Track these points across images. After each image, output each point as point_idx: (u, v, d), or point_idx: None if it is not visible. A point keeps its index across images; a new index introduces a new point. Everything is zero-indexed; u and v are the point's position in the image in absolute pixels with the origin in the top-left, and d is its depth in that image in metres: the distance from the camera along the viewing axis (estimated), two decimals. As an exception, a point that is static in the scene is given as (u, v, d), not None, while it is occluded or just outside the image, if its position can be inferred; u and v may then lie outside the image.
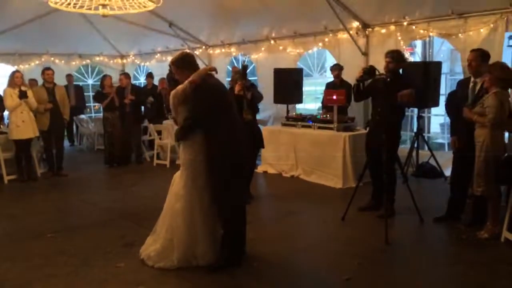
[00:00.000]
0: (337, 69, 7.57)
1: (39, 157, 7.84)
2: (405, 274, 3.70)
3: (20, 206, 5.92)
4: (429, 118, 8.76)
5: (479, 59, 4.46)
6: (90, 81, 13.38)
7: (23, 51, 10.99)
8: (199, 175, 3.68)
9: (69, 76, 10.92)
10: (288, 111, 7.99)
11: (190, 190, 3.68)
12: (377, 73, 4.75)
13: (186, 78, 3.68)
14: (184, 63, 3.78)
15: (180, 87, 3.68)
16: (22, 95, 6.93)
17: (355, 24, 7.54)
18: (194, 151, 3.68)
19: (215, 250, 3.73)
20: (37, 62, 11.35)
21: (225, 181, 3.62)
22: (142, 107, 9.17)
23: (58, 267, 3.84)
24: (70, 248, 4.30)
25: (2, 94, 7.47)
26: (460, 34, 6.40)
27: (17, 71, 7.40)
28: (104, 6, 5.34)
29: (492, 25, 6.03)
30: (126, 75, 8.77)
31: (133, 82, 12.20)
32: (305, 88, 8.53)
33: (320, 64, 10.89)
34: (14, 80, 7.02)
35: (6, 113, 8.05)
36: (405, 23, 7.00)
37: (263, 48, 9.32)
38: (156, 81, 10.12)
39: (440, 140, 9.95)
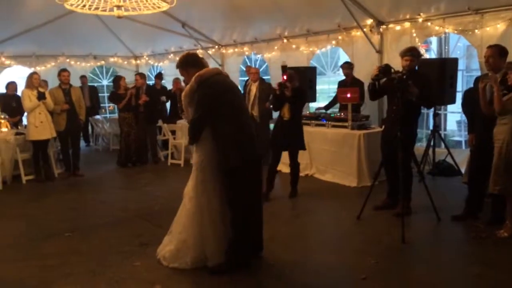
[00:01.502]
0: (347, 67, 7.53)
1: (56, 157, 7.95)
2: (422, 273, 3.65)
3: (37, 206, 6.00)
4: (445, 115, 8.64)
5: (497, 55, 4.37)
6: (105, 82, 13.52)
7: (40, 53, 11.16)
8: (207, 177, 3.64)
9: (83, 78, 11.03)
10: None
11: (199, 192, 3.65)
12: (392, 71, 4.70)
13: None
14: (187, 63, 3.76)
15: (188, 86, 3.67)
16: (41, 96, 7.03)
17: (369, 21, 7.48)
18: (203, 152, 3.65)
19: (223, 252, 3.68)
20: (53, 63, 11.51)
21: (234, 182, 3.57)
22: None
23: (75, 266, 3.88)
24: (87, 247, 4.35)
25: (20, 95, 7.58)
26: (476, 30, 6.29)
27: (34, 72, 7.51)
28: (118, 7, 5.40)
29: (509, 21, 5.92)
30: (142, 75, 8.84)
31: (148, 82, 12.32)
32: (319, 87, 8.48)
33: (334, 63, 10.82)
34: (32, 81, 7.12)
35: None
36: (420, 20, 6.91)
37: (276, 47, 9.30)
38: (169, 82, 10.16)
39: (457, 138, 9.83)
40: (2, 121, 7.61)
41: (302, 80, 7.57)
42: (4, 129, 7.53)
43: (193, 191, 3.68)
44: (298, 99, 5.75)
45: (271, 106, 6.47)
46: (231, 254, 3.62)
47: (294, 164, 5.94)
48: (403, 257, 4.01)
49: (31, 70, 10.44)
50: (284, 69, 5.64)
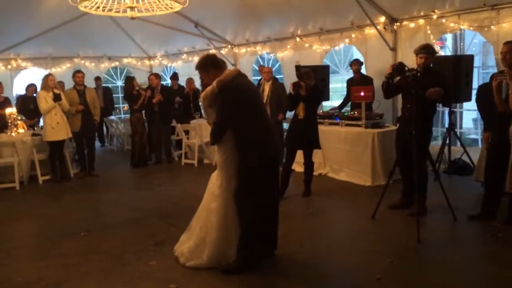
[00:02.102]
0: (356, 63, 7.50)
1: (71, 157, 8.06)
2: (438, 274, 3.61)
3: (54, 205, 6.09)
4: (461, 113, 8.52)
5: (515, 51, 4.29)
6: (119, 83, 13.64)
7: (55, 54, 11.31)
8: (232, 176, 3.67)
9: (97, 80, 11.13)
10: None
11: (224, 191, 3.68)
12: (406, 69, 4.65)
13: (214, 79, 3.68)
14: (207, 65, 3.78)
15: (209, 88, 3.69)
16: (57, 98, 7.12)
17: (383, 19, 7.42)
18: (227, 151, 3.68)
19: None
20: (68, 65, 11.67)
21: (251, 181, 3.59)
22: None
23: (92, 265, 3.93)
24: (103, 246, 4.40)
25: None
26: (492, 26, 6.20)
27: (50, 74, 7.61)
28: (131, 8, 5.43)
29: (526, 16, 5.83)
30: (156, 75, 8.88)
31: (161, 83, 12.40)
32: (332, 85, 8.45)
33: (347, 61, 10.74)
34: (48, 83, 7.21)
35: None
36: (434, 17, 6.83)
37: (288, 46, 9.29)
38: (183, 81, 10.22)
39: (473, 136, 9.69)
40: (19, 122, 7.73)
41: (315, 78, 7.58)
42: (21, 130, 7.66)
43: (219, 189, 3.70)
44: (314, 98, 5.76)
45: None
46: (244, 252, 3.64)
47: (308, 163, 5.93)
48: (419, 257, 3.97)
49: (47, 71, 10.63)
50: (298, 68, 5.63)
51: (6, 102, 8.17)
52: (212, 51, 10.44)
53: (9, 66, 10.88)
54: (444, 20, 6.78)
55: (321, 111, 7.91)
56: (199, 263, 3.70)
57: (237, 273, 3.59)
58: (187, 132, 8.78)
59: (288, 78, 9.26)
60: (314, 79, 5.85)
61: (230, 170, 3.67)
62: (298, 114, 5.77)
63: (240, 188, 3.63)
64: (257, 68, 9.86)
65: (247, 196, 3.61)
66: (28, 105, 8.40)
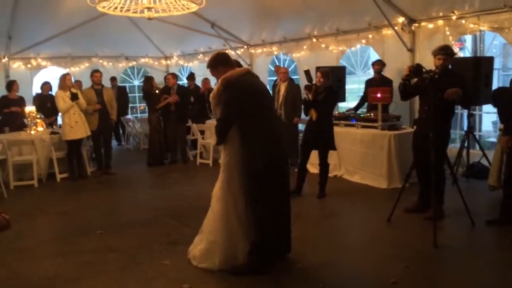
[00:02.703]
0: (379, 63, 7.42)
1: (89, 156, 8.16)
2: (454, 279, 3.55)
3: (71, 203, 6.18)
4: (480, 115, 8.39)
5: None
6: (136, 82, 13.79)
7: (74, 54, 11.48)
8: (233, 178, 3.61)
9: (113, 80, 11.22)
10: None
11: (225, 193, 3.64)
12: (424, 70, 4.59)
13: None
14: (216, 62, 3.75)
15: (215, 87, 3.68)
16: (74, 97, 7.22)
17: (401, 19, 7.34)
18: (231, 152, 3.63)
19: None
20: (86, 64, 11.82)
21: (259, 186, 3.53)
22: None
23: (107, 263, 3.98)
24: (118, 244, 4.44)
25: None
26: (513, 27, 6.08)
27: (67, 73, 7.72)
28: (149, 9, 5.48)
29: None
30: (173, 75, 8.94)
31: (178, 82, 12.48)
32: (348, 86, 8.39)
33: (364, 62, 10.68)
34: (66, 82, 7.32)
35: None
36: (453, 17, 6.72)
37: (304, 47, 9.25)
38: (199, 81, 10.27)
39: (492, 139, 9.51)
40: (38, 120, 7.86)
41: (332, 79, 7.54)
42: (40, 128, 7.79)
43: (220, 191, 3.69)
44: (328, 99, 5.75)
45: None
46: (252, 256, 3.60)
47: (323, 165, 5.92)
48: (435, 262, 3.91)
49: (66, 71, 10.79)
50: (308, 73, 5.76)
51: (21, 101, 8.32)
52: (228, 52, 10.48)
53: (29, 65, 11.08)
54: (463, 21, 6.67)
55: (336, 112, 7.85)
56: (212, 267, 3.69)
57: (246, 275, 3.56)
58: (202, 132, 8.82)
59: (304, 79, 9.20)
60: (331, 79, 5.83)
61: (232, 173, 3.62)
62: (311, 116, 5.83)
63: (250, 193, 3.58)
64: (273, 69, 9.86)
65: (257, 201, 3.56)
66: (45, 103, 8.53)
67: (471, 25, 6.62)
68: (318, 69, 7.71)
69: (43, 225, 5.33)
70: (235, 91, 3.54)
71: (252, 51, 10.66)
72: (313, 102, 5.72)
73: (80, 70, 11.62)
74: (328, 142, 5.85)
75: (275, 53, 10.26)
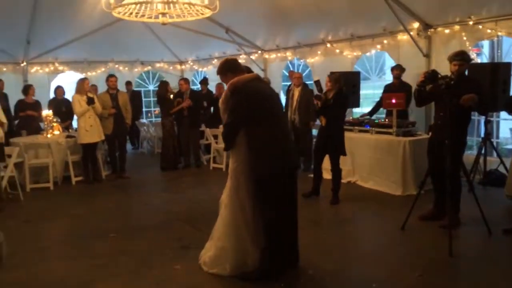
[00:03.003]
0: (398, 68, 7.35)
1: (103, 160, 8.24)
2: (470, 289, 3.49)
3: (85, 206, 6.24)
4: (498, 122, 8.22)
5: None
6: (151, 87, 13.90)
7: (91, 59, 11.65)
8: (241, 184, 3.58)
9: (128, 84, 11.31)
10: (345, 115, 7.84)
11: (233, 200, 3.62)
12: (439, 76, 4.52)
13: None
14: (225, 68, 3.73)
15: (223, 93, 3.67)
16: (90, 101, 7.31)
17: (416, 24, 7.26)
18: (238, 159, 3.60)
19: None
20: (103, 69, 11.98)
21: (265, 193, 3.49)
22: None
23: (118, 267, 4.00)
24: (130, 248, 4.46)
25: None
26: (532, 33, 5.97)
27: (85, 78, 7.86)
28: (163, 14, 5.52)
29: None
30: (186, 80, 9.01)
31: (191, 87, 12.56)
32: (363, 92, 8.32)
33: (379, 67, 10.59)
34: (84, 87, 7.42)
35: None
36: (470, 23, 6.63)
37: (319, 52, 9.22)
38: (213, 86, 10.31)
39: (510, 146, 9.34)
40: (55, 124, 7.97)
41: (345, 85, 7.48)
42: (57, 132, 7.89)
43: (227, 198, 3.68)
44: (337, 104, 5.78)
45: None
46: (263, 262, 3.56)
47: (335, 170, 5.91)
48: (450, 271, 3.83)
49: (83, 75, 10.95)
50: (317, 83, 5.89)
51: (37, 105, 8.47)
52: (243, 57, 10.51)
53: (47, 70, 11.28)
54: (480, 27, 6.57)
55: (351, 118, 7.81)
56: (222, 272, 3.67)
57: (255, 281, 3.54)
58: (216, 137, 8.83)
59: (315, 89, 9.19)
60: (342, 84, 5.91)
61: (239, 179, 3.58)
62: (321, 121, 5.95)
63: (256, 199, 3.53)
64: (287, 74, 9.84)
65: (264, 207, 3.52)
66: (60, 107, 8.65)
67: (489, 31, 6.51)
68: (331, 74, 7.73)
69: (58, 227, 5.39)
70: (241, 97, 3.52)
71: (266, 56, 10.67)
72: (321, 108, 5.80)
73: (96, 75, 11.77)
74: (337, 147, 5.84)
75: (289, 58, 10.24)
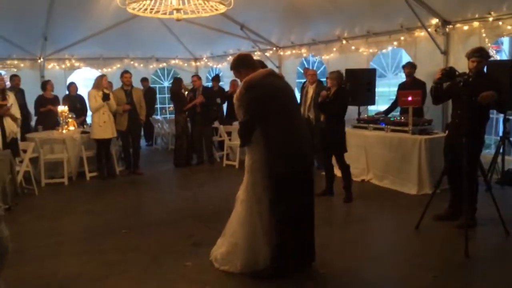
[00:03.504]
0: (409, 66, 7.23)
1: (118, 156, 8.29)
2: (487, 292, 3.40)
3: (99, 202, 6.28)
4: (517, 121, 8.03)
5: None
6: (166, 83, 13.96)
7: (106, 55, 11.74)
8: (258, 180, 3.56)
9: (144, 81, 11.37)
10: (359, 113, 7.75)
11: (249, 195, 3.60)
12: (457, 73, 4.41)
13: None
14: (238, 64, 3.69)
15: (238, 89, 3.63)
16: (106, 97, 7.36)
17: (434, 21, 7.12)
18: (255, 155, 3.58)
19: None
20: (118, 65, 12.05)
21: (281, 189, 3.45)
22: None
23: (130, 263, 4.00)
24: (142, 245, 4.47)
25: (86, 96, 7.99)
26: (554, 29, 5.80)
27: (104, 75, 7.97)
28: (178, 10, 5.51)
29: None
30: (199, 77, 9.02)
31: (206, 84, 12.57)
32: (379, 89, 8.21)
33: (395, 64, 10.44)
34: (102, 83, 7.51)
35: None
36: (490, 19, 6.47)
37: (334, 49, 9.12)
38: (227, 83, 10.29)
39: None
40: (70, 120, 8.05)
41: (360, 82, 7.41)
42: (72, 128, 7.97)
43: (244, 194, 3.65)
44: (335, 100, 5.79)
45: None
46: (274, 261, 3.53)
47: (341, 167, 5.93)
48: (466, 273, 3.75)
49: (99, 71, 11.04)
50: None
51: (55, 100, 8.58)
52: (257, 54, 10.46)
53: (63, 66, 11.40)
54: (500, 23, 6.41)
55: (366, 115, 7.71)
56: (233, 270, 3.64)
57: (266, 280, 3.50)
58: (229, 134, 8.82)
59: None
60: (342, 81, 5.94)
61: (256, 176, 3.56)
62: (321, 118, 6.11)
63: (272, 196, 3.51)
64: (302, 71, 9.76)
65: (279, 204, 3.48)
66: (75, 104, 8.73)
67: (509, 27, 6.35)
68: (346, 71, 7.65)
69: (71, 223, 5.43)
70: (257, 93, 3.48)
71: (281, 53, 10.60)
72: (320, 105, 5.93)
73: (112, 71, 11.85)
74: (337, 146, 5.82)
75: (304, 55, 10.16)
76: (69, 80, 11.61)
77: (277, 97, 3.56)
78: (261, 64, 3.87)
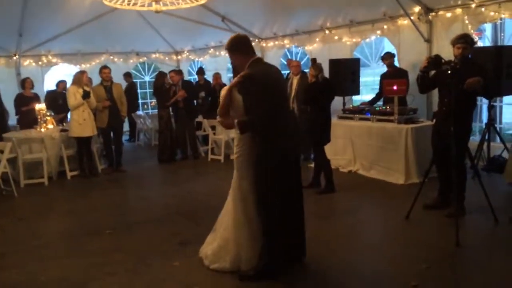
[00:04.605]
0: (388, 57, 7.19)
1: (99, 153, 8.09)
2: (479, 280, 3.36)
3: (81, 201, 6.10)
4: (501, 107, 8.07)
5: None
6: (147, 78, 13.71)
7: (84, 50, 11.44)
8: (243, 174, 3.47)
9: (127, 76, 11.13)
10: (344, 103, 7.69)
11: (236, 191, 3.51)
12: (443, 61, 4.36)
13: (241, 62, 3.45)
14: (237, 46, 3.49)
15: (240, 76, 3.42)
16: (86, 95, 7.13)
17: (417, 8, 7.09)
18: (241, 148, 3.48)
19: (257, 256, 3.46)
20: (97, 61, 11.77)
21: (268, 182, 3.34)
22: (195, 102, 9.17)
23: (116, 265, 3.86)
24: (128, 245, 4.33)
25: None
26: (537, 15, 5.80)
27: (84, 71, 7.72)
28: (156, 2, 5.34)
29: None
30: (177, 72, 8.80)
31: (188, 78, 12.36)
32: (362, 79, 8.17)
33: (378, 53, 10.39)
34: (83, 79, 7.28)
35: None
36: (473, 5, 6.45)
37: (317, 39, 9.05)
38: (210, 76, 10.12)
39: (513, 131, 9.20)
40: (49, 118, 7.80)
41: (345, 72, 7.34)
42: (50, 126, 7.73)
43: (231, 188, 3.56)
44: (324, 92, 5.73)
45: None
46: (261, 259, 3.41)
47: (315, 158, 5.99)
48: (458, 262, 3.71)
49: (77, 67, 10.75)
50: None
51: (35, 98, 8.33)
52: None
53: (40, 62, 11.09)
54: (483, 9, 6.39)
55: (351, 105, 7.65)
56: (223, 267, 3.55)
57: (255, 280, 3.38)
58: (213, 128, 8.68)
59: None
60: (319, 71, 5.80)
61: (241, 169, 3.48)
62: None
63: (259, 190, 3.39)
64: (285, 62, 9.66)
65: (265, 197, 3.37)
66: (57, 100, 8.53)
67: (492, 13, 6.33)
68: (330, 62, 7.57)
69: (52, 224, 5.26)
70: (257, 85, 3.30)
71: (264, 44, 10.48)
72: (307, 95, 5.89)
73: (91, 67, 11.53)
74: (315, 135, 5.73)
75: (287, 46, 10.06)
76: (46, 77, 11.34)
77: (274, 88, 3.43)
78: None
